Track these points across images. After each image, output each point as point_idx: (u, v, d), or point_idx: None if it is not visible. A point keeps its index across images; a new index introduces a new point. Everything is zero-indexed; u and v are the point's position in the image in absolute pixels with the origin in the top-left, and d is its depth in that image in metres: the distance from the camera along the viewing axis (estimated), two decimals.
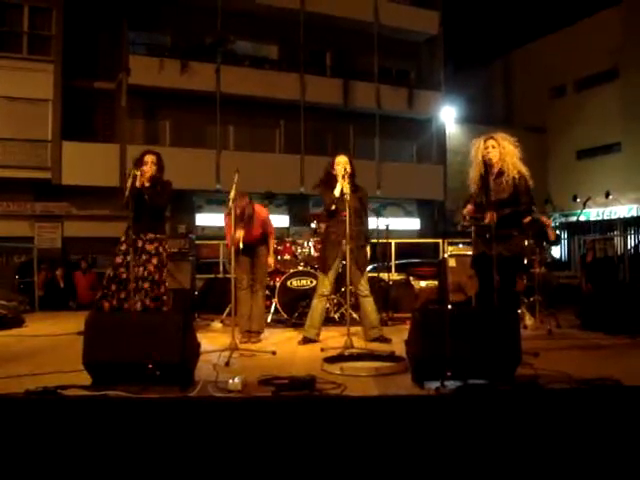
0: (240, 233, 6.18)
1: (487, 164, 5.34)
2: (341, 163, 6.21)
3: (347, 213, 5.76)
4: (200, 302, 9.27)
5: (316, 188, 6.51)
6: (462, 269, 9.03)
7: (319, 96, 21.70)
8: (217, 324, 7.90)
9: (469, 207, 5.55)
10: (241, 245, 6.12)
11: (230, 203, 5.78)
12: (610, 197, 22.52)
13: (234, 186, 5.75)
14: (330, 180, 6.26)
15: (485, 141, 5.41)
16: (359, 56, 23.26)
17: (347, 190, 5.89)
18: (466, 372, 3.85)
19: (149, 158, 6.04)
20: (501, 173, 5.30)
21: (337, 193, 6.09)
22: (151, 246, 5.98)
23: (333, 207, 6.18)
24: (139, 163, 5.95)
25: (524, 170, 5.36)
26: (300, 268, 8.29)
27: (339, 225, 6.10)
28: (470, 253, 6.17)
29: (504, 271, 5.19)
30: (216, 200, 19.88)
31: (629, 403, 3.52)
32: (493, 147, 5.35)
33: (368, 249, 6.51)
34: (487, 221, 5.25)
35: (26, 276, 11.93)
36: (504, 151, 5.34)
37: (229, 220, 6.08)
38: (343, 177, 6.04)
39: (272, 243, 7.07)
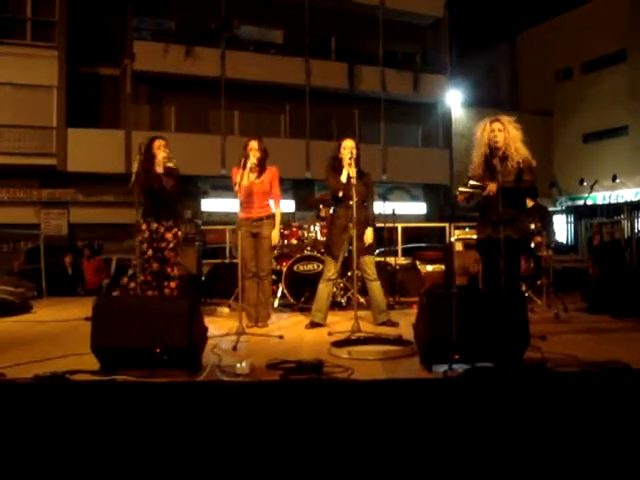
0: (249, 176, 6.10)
1: (492, 147, 5.30)
2: (348, 147, 6.18)
3: (354, 198, 5.76)
4: (206, 287, 9.29)
5: (325, 173, 6.46)
6: (468, 253, 9.04)
7: (324, 80, 21.62)
8: (224, 309, 7.90)
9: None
10: (251, 175, 6.02)
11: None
12: (617, 180, 22.39)
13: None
14: (337, 165, 6.24)
15: (491, 123, 5.35)
16: (364, 40, 23.14)
17: (353, 175, 5.88)
18: (474, 355, 3.84)
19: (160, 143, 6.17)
20: (505, 157, 5.24)
21: (344, 179, 6.08)
22: (165, 232, 6.12)
23: (340, 193, 6.17)
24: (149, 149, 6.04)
25: (527, 154, 5.31)
26: (307, 253, 8.28)
27: (346, 210, 6.09)
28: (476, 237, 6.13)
29: (512, 254, 5.17)
30: (222, 185, 19.89)
31: (638, 386, 3.51)
32: (500, 130, 5.28)
33: (369, 232, 6.43)
34: (488, 190, 5.22)
35: (33, 262, 11.96)
36: (509, 135, 5.28)
37: (237, 170, 5.99)
38: (349, 163, 6.03)
39: (279, 212, 6.56)
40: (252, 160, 6.09)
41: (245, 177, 5.91)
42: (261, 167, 6.37)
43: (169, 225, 6.17)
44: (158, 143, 6.15)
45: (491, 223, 5.24)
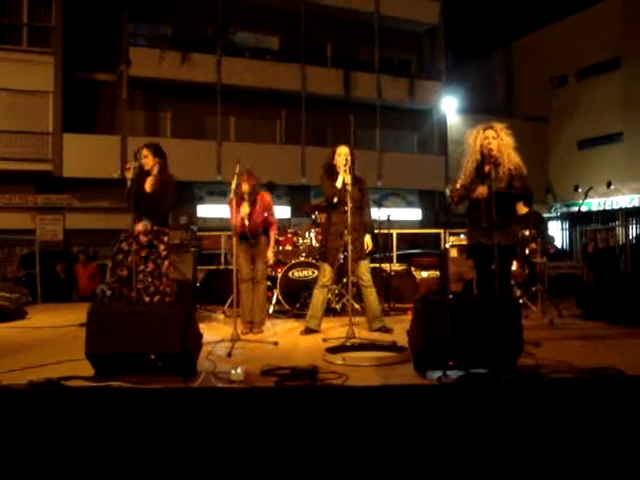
0: (246, 209, 6.19)
1: (485, 154, 5.32)
2: (342, 154, 6.20)
3: (349, 205, 5.78)
4: (202, 293, 9.29)
5: (320, 180, 6.48)
6: (463, 259, 9.06)
7: (320, 87, 21.63)
8: (219, 315, 7.92)
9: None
10: (246, 222, 6.10)
11: (232, 194, 5.81)
12: (612, 187, 22.45)
13: (235, 177, 5.77)
14: (332, 171, 6.25)
15: (484, 130, 5.37)
16: (360, 47, 23.24)
17: (349, 181, 5.90)
18: (468, 362, 3.86)
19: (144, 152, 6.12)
20: (497, 164, 5.25)
21: (339, 185, 6.09)
22: (145, 238, 6.01)
23: (335, 199, 6.18)
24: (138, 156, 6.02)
25: (519, 161, 5.33)
26: (302, 259, 8.29)
27: (341, 216, 6.11)
28: (467, 243, 6.15)
29: (503, 260, 5.18)
30: (217, 191, 19.90)
31: (632, 393, 3.52)
32: (494, 138, 5.31)
33: (368, 239, 6.47)
34: (478, 192, 5.24)
35: (28, 268, 11.95)
36: (502, 142, 5.30)
37: (232, 206, 6.06)
38: (345, 170, 6.04)
39: (273, 235, 6.84)
40: (245, 210, 6.26)
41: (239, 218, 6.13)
42: (253, 198, 6.47)
43: (160, 232, 6.09)
44: (142, 152, 6.10)
45: (482, 229, 5.26)
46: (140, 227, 6.00)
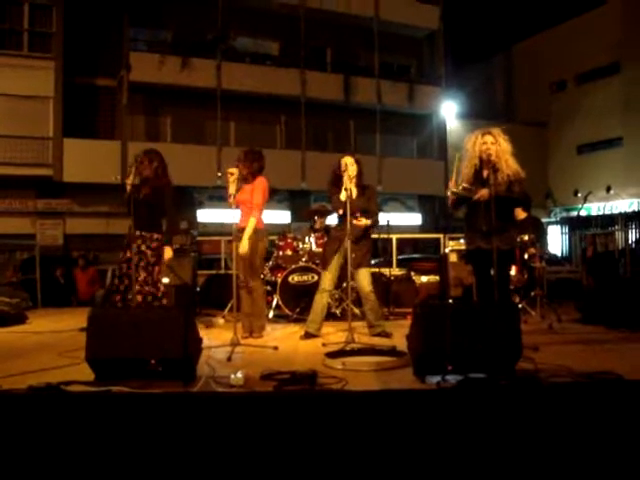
0: (234, 169, 6.03)
1: (483, 159, 5.34)
2: (346, 165, 6.19)
3: (348, 216, 5.77)
4: (202, 298, 9.29)
5: (328, 188, 6.45)
6: (463, 264, 9.07)
7: (320, 92, 21.70)
8: (219, 320, 7.91)
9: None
10: (232, 173, 5.94)
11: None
12: (611, 192, 22.51)
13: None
14: (338, 182, 6.22)
15: (482, 136, 5.39)
16: (360, 51, 23.31)
17: (354, 193, 5.89)
18: (467, 366, 3.86)
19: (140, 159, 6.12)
20: (496, 170, 5.27)
21: (343, 197, 6.06)
22: (142, 244, 6.02)
23: (341, 211, 6.19)
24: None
25: (517, 167, 5.35)
26: (301, 264, 8.29)
27: (343, 224, 6.12)
28: (465, 248, 6.15)
29: (502, 265, 5.20)
30: (217, 196, 19.92)
31: (631, 397, 3.53)
32: (492, 143, 5.32)
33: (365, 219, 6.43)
34: (480, 194, 5.25)
35: (28, 273, 11.96)
36: (500, 148, 5.32)
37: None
38: (349, 181, 6.01)
39: (251, 223, 6.23)
40: (233, 169, 6.07)
41: (233, 189, 5.86)
42: (252, 178, 6.40)
43: (148, 238, 6.04)
44: (137, 159, 6.10)
45: (481, 234, 5.28)
46: (170, 254, 6.18)
